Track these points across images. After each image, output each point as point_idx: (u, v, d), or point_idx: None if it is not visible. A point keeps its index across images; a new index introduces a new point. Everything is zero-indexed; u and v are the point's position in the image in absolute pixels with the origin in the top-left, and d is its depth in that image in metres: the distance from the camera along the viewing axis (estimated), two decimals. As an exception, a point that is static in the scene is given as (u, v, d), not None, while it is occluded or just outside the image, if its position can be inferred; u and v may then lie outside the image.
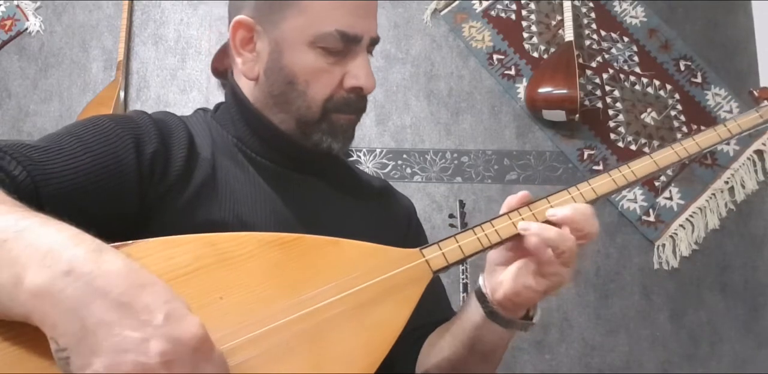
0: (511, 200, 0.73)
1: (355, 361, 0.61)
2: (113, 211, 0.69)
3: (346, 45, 0.78)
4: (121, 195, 0.70)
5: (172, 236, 0.61)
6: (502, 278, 0.71)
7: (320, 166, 0.89)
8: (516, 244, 0.71)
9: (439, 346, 0.80)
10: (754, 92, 0.86)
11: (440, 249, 0.69)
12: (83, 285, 0.46)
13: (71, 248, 0.48)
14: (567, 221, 0.68)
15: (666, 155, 0.77)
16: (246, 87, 0.84)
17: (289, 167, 0.85)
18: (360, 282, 0.64)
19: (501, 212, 0.72)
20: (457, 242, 0.69)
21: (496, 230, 0.70)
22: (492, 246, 0.70)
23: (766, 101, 0.84)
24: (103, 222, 0.55)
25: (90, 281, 0.46)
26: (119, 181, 0.70)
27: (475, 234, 0.70)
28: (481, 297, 0.73)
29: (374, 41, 0.82)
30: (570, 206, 0.69)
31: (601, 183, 0.73)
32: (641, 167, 0.75)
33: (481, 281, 0.75)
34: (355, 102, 0.81)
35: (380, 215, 0.92)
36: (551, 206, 0.71)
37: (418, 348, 0.85)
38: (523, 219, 0.70)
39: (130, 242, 0.58)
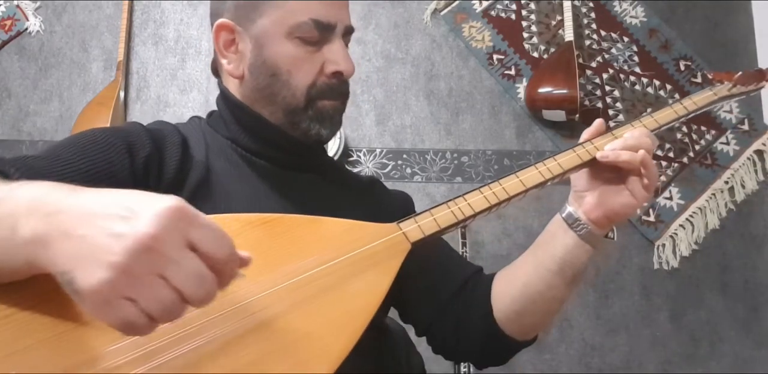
0: (586, 132, 0.83)
1: (339, 329, 0.63)
2: None
3: (321, 33, 0.83)
4: None
5: None
6: (597, 201, 0.80)
7: (312, 161, 0.92)
8: (597, 172, 0.81)
9: (523, 280, 0.85)
10: (709, 75, 0.92)
11: (416, 222, 0.73)
12: (67, 216, 0.48)
13: (52, 194, 0.51)
14: (628, 148, 0.78)
15: (627, 130, 0.83)
16: (233, 88, 0.89)
17: (283, 165, 0.88)
18: (340, 254, 0.67)
19: (581, 140, 0.82)
20: (432, 215, 0.74)
21: (468, 204, 0.75)
22: (466, 219, 0.75)
23: (719, 83, 0.91)
24: None
25: (73, 211, 0.48)
26: (114, 185, 0.71)
27: (449, 208, 0.75)
28: (574, 222, 0.80)
29: (349, 30, 0.87)
30: (619, 140, 0.80)
31: (569, 157, 0.80)
32: (604, 142, 0.81)
33: (569, 208, 0.82)
34: (337, 87, 0.85)
35: (374, 208, 0.94)
36: (520, 181, 0.77)
37: (482, 295, 0.89)
38: (494, 193, 0.76)
39: None
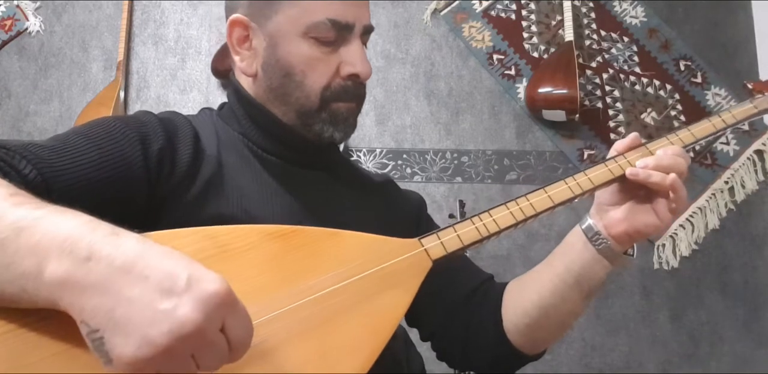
0: (619, 144, 0.79)
1: (357, 348, 0.61)
2: (122, 206, 0.70)
3: (338, 33, 0.80)
4: (130, 191, 0.71)
5: (172, 229, 0.62)
6: (621, 216, 0.76)
7: (324, 160, 0.90)
8: (626, 187, 0.77)
9: (538, 292, 0.82)
10: (748, 85, 0.88)
11: (439, 239, 0.70)
12: (105, 267, 0.47)
13: (88, 234, 0.49)
14: (660, 168, 0.74)
15: (662, 145, 0.79)
16: (246, 84, 0.86)
17: (294, 162, 0.86)
18: (360, 271, 0.65)
19: (609, 156, 0.78)
20: (456, 231, 0.70)
21: (494, 220, 0.72)
22: (490, 236, 0.71)
23: (760, 94, 0.86)
24: (115, 218, 0.55)
25: (111, 262, 0.47)
26: (127, 176, 0.71)
27: (473, 224, 0.71)
28: (594, 235, 0.78)
29: (368, 29, 0.83)
30: (652, 157, 0.75)
31: (598, 173, 0.76)
32: (638, 156, 0.77)
33: (590, 221, 0.79)
34: (353, 90, 0.82)
35: (387, 208, 0.93)
36: (548, 196, 0.74)
37: (493, 303, 0.87)
38: (520, 209, 0.73)
39: None
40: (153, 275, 0.47)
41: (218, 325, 0.48)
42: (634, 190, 0.77)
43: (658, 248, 2.02)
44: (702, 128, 0.81)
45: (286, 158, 0.85)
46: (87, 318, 0.47)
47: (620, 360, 1.96)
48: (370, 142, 2.11)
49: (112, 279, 0.47)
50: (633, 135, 0.80)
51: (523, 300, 0.84)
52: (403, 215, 0.95)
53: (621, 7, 2.19)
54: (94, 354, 0.47)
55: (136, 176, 0.72)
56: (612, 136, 2.07)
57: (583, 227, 0.79)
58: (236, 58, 0.85)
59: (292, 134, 0.84)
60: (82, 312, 0.47)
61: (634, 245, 0.80)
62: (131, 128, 0.74)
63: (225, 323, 0.48)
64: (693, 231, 2.03)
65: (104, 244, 0.49)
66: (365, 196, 0.92)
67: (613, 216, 0.77)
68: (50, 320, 0.51)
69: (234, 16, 0.83)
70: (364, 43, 0.84)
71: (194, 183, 0.76)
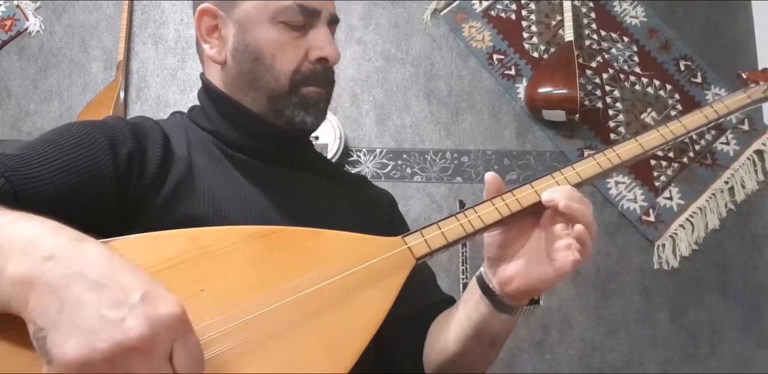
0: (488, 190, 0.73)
1: (340, 348, 0.61)
2: (95, 211, 0.70)
3: (306, 19, 0.82)
4: (100, 195, 0.71)
5: (154, 231, 0.62)
6: (513, 274, 0.70)
7: (298, 154, 0.90)
8: (515, 237, 0.71)
9: (445, 337, 0.81)
10: (743, 75, 0.85)
11: (422, 236, 0.69)
12: (63, 268, 0.47)
13: (52, 238, 0.50)
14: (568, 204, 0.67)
15: (651, 138, 0.76)
16: (216, 75, 0.87)
17: (267, 159, 0.86)
18: (343, 270, 0.65)
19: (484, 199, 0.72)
20: (440, 228, 0.69)
21: (479, 216, 0.70)
22: (475, 232, 0.70)
23: (753, 84, 0.83)
24: (87, 223, 0.55)
25: (70, 264, 0.48)
26: (97, 181, 0.71)
27: (458, 221, 0.69)
28: (488, 292, 0.73)
29: (334, 19, 0.86)
30: (558, 189, 0.69)
31: (586, 167, 0.73)
32: (627, 150, 0.75)
33: (484, 276, 0.74)
34: (322, 74, 0.84)
35: (362, 203, 0.93)
36: (535, 191, 0.71)
37: (422, 333, 0.86)
38: (506, 205, 0.70)
39: (112, 239, 0.59)
40: (109, 285, 0.47)
41: (166, 349, 0.46)
42: (522, 241, 0.71)
43: (658, 248, 2.02)
44: (693, 119, 0.79)
45: (257, 155, 0.85)
46: (35, 317, 0.46)
47: (620, 360, 1.96)
48: (370, 142, 2.11)
49: (68, 281, 0.47)
50: (490, 176, 0.73)
51: (436, 340, 0.83)
52: (379, 212, 0.95)
53: (621, 7, 2.19)
54: (37, 351, 0.46)
55: (106, 180, 0.71)
56: (612, 136, 2.07)
57: (477, 277, 0.75)
58: (205, 46, 0.85)
59: (262, 123, 0.84)
60: (32, 311, 0.47)
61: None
62: (100, 132, 0.74)
63: (174, 349, 0.47)
64: (693, 231, 2.03)
65: (67, 248, 0.49)
66: (342, 192, 0.92)
67: (504, 274, 0.71)
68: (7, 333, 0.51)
69: (202, 5, 0.84)
70: (332, 33, 0.86)
71: (165, 185, 0.76)
